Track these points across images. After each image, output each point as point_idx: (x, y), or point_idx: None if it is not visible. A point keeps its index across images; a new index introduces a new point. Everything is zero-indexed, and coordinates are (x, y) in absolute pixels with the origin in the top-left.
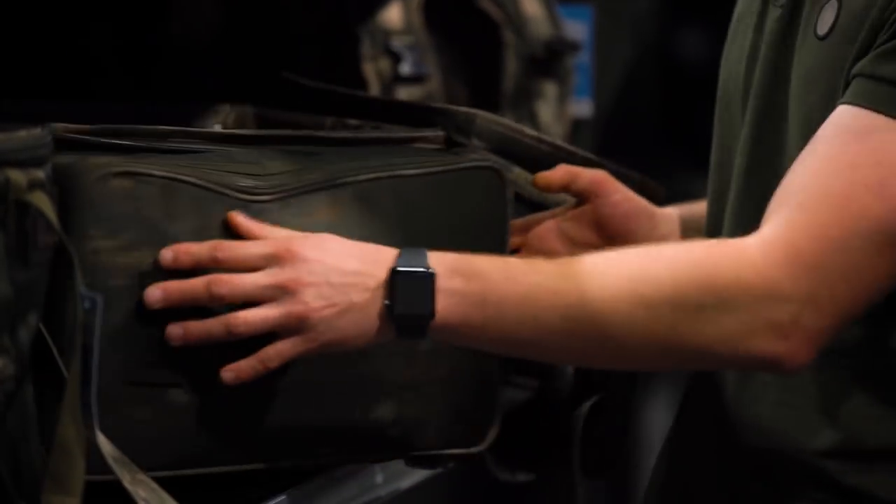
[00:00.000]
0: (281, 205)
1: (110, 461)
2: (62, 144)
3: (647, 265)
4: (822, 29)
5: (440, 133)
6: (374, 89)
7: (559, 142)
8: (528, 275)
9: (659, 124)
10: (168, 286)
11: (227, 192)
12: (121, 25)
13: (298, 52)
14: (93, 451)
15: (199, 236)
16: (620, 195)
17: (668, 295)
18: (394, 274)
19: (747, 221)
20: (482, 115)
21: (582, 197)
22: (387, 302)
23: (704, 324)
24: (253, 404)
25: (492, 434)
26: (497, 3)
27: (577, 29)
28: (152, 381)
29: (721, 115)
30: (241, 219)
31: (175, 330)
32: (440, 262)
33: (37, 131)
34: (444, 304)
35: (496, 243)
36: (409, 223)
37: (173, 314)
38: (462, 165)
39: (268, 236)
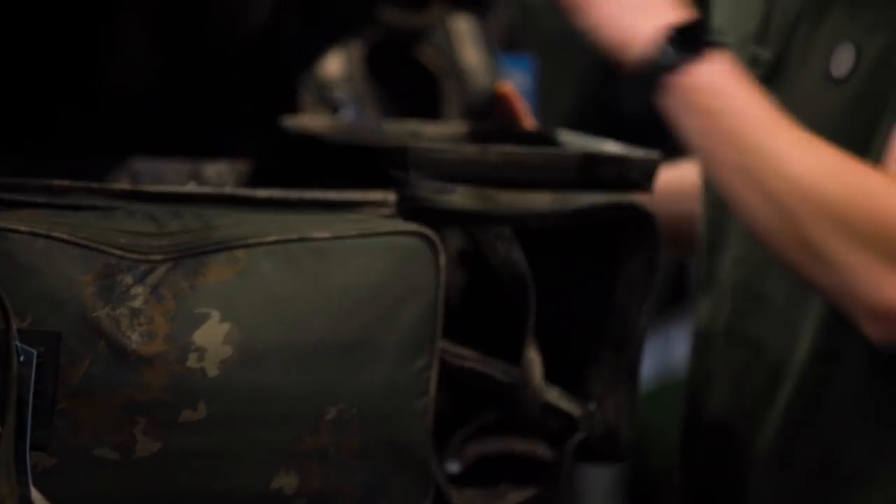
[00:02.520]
0: (172, 265)
1: None
2: None
3: (844, 168)
4: (839, 72)
5: (390, 197)
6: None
7: (509, 148)
8: (763, 104)
9: None
10: None
11: (106, 249)
12: (53, 75)
13: (237, 102)
14: None
15: (65, 293)
16: None
17: (838, 203)
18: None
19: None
20: (413, 147)
21: None
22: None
23: (858, 245)
24: (148, 470)
25: None
26: (437, 54)
27: (518, 78)
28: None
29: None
30: None
31: None
32: (724, 57)
33: None
34: (696, 68)
35: (425, 308)
36: (325, 286)
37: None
38: (384, 230)
39: None
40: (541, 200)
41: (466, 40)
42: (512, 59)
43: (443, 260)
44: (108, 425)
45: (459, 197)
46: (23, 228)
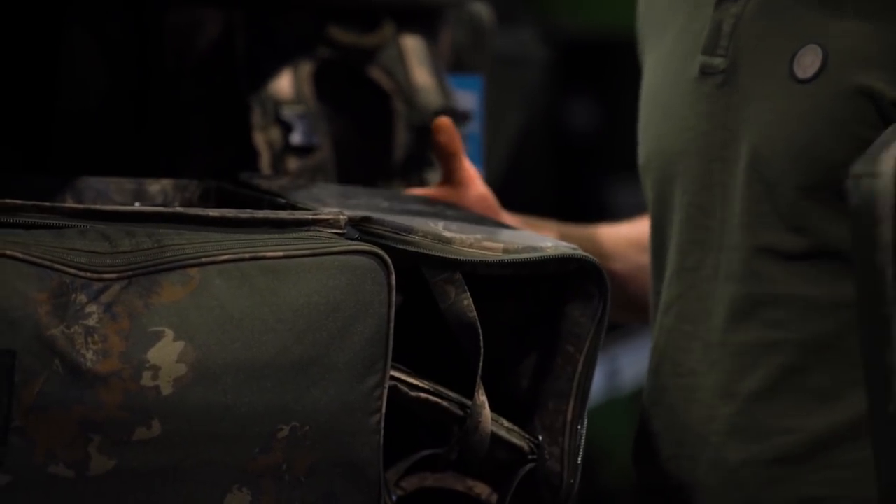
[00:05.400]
0: (126, 283)
1: None
2: None
3: None
4: (805, 73)
5: (341, 216)
6: (265, 159)
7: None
8: None
9: (549, 192)
10: None
11: (60, 267)
12: (5, 92)
13: (188, 120)
14: None
15: (20, 311)
16: (482, 193)
17: None
18: None
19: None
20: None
21: (450, 177)
22: None
23: None
24: (102, 489)
25: None
26: (387, 74)
27: (467, 98)
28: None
29: (655, 190)
30: None
31: None
32: None
33: None
34: None
35: (376, 327)
36: (278, 305)
37: None
38: (336, 249)
39: None
40: (493, 249)
41: (416, 60)
42: (461, 79)
43: (393, 280)
44: (63, 443)
45: (419, 238)
46: None
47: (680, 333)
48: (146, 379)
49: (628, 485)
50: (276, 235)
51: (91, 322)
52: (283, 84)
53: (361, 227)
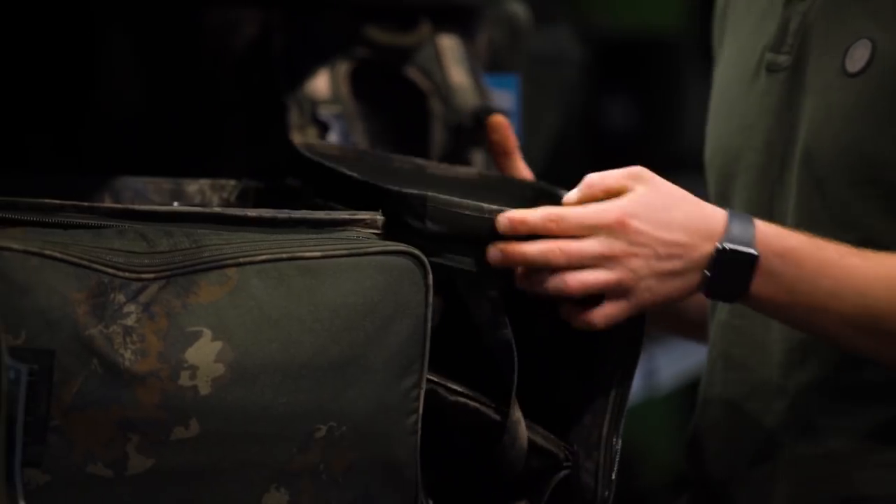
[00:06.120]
0: (164, 283)
1: None
2: None
3: None
4: (854, 67)
5: (378, 217)
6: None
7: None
8: (839, 268)
9: None
10: (507, 248)
11: (99, 267)
12: (44, 93)
13: (226, 120)
14: None
15: (59, 311)
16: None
17: None
18: (719, 252)
19: None
20: (432, 196)
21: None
22: (707, 273)
23: None
24: (140, 488)
25: None
26: (424, 73)
27: (503, 98)
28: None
29: (717, 186)
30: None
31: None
32: (765, 240)
33: None
34: (758, 283)
35: (413, 327)
36: (316, 305)
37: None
38: (373, 249)
39: (596, 208)
40: None
41: (453, 60)
42: (497, 78)
43: (430, 280)
44: (101, 442)
45: (468, 259)
46: (16, 247)
47: (732, 329)
48: (184, 379)
49: (666, 484)
50: (314, 236)
51: (129, 322)
52: (321, 84)
53: None
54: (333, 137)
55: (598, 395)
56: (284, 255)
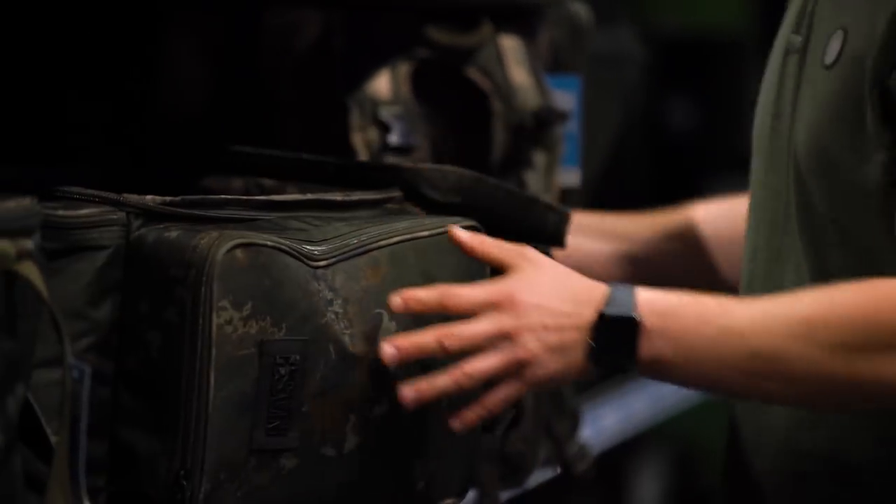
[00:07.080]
0: (333, 270)
1: None
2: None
3: (821, 310)
4: (829, 58)
5: (397, 192)
6: (363, 160)
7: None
8: (720, 317)
9: (647, 193)
10: (399, 344)
11: (300, 258)
12: (107, 92)
13: (286, 122)
14: None
15: (304, 301)
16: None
17: (842, 338)
18: (601, 318)
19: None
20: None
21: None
22: (591, 343)
23: (881, 364)
24: (353, 464)
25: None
26: (485, 73)
27: (565, 98)
28: (273, 448)
29: (751, 168)
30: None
31: (409, 392)
32: (647, 302)
33: (26, 201)
34: (644, 346)
35: None
36: (428, 281)
37: (295, 382)
38: (446, 227)
39: (484, 286)
40: None
41: (514, 60)
42: (559, 78)
43: None
44: (332, 424)
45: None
46: (268, 243)
47: None
48: (379, 358)
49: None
50: (406, 217)
51: (336, 308)
52: (381, 84)
53: None
54: (394, 138)
55: None
56: (407, 237)
